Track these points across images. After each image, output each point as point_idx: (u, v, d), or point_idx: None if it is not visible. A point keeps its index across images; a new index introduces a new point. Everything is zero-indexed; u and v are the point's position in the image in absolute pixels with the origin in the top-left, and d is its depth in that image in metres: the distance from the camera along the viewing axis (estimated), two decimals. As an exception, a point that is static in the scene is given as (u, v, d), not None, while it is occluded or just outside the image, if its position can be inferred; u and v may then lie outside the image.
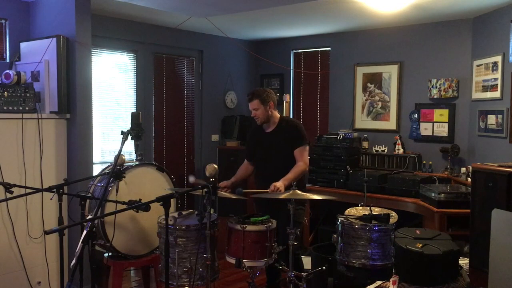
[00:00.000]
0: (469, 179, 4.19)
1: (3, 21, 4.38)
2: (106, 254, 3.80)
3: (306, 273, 3.40)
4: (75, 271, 2.59)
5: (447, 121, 5.23)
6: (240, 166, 4.20)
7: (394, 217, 3.52)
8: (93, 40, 4.27)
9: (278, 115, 4.01)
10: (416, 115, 5.41)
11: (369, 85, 5.81)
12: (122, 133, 3.06)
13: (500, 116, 4.47)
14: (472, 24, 5.04)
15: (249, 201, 4.46)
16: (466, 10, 4.71)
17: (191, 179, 3.59)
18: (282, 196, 3.29)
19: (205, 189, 3.02)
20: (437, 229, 4.01)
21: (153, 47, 5.66)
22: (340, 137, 5.43)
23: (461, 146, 5.08)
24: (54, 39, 4.05)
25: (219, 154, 6.22)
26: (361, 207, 3.72)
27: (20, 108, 3.89)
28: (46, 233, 2.43)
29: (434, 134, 5.32)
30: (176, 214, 3.41)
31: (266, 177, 3.92)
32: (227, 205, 5.04)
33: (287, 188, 3.54)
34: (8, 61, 4.39)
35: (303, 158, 3.88)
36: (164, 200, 2.75)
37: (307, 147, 3.95)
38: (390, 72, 5.63)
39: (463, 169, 4.88)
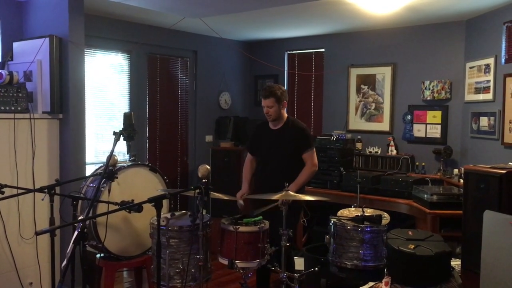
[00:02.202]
0: (462, 181, 4.20)
1: (-5, 20, 4.36)
2: (98, 255, 3.79)
3: (298, 274, 3.40)
4: (66, 272, 2.58)
5: (440, 122, 5.25)
6: (245, 166, 4.16)
7: (386, 218, 3.53)
8: (86, 40, 4.26)
9: (286, 114, 4.05)
10: (409, 117, 5.43)
11: (362, 86, 5.82)
12: (114, 133, 3.06)
13: (492, 118, 4.49)
14: (465, 26, 5.06)
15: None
16: (459, 12, 4.73)
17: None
18: (275, 197, 3.29)
19: (198, 190, 3.02)
20: (429, 230, 4.02)
21: (147, 47, 5.64)
22: (333, 138, 5.44)
23: (454, 148, 5.10)
24: (47, 39, 4.04)
25: (213, 155, 6.19)
26: (353, 208, 3.73)
27: (12, 108, 3.87)
28: (37, 233, 2.42)
29: (427, 136, 5.34)
30: (168, 215, 3.40)
31: (266, 176, 3.94)
32: (220, 206, 5.04)
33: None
34: (0, 61, 4.36)
35: (312, 161, 3.93)
36: (156, 201, 2.74)
37: (314, 149, 4.00)
38: (384, 74, 5.64)
39: (456, 171, 4.90)
